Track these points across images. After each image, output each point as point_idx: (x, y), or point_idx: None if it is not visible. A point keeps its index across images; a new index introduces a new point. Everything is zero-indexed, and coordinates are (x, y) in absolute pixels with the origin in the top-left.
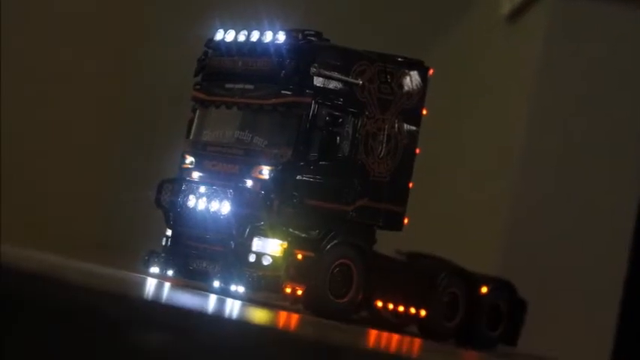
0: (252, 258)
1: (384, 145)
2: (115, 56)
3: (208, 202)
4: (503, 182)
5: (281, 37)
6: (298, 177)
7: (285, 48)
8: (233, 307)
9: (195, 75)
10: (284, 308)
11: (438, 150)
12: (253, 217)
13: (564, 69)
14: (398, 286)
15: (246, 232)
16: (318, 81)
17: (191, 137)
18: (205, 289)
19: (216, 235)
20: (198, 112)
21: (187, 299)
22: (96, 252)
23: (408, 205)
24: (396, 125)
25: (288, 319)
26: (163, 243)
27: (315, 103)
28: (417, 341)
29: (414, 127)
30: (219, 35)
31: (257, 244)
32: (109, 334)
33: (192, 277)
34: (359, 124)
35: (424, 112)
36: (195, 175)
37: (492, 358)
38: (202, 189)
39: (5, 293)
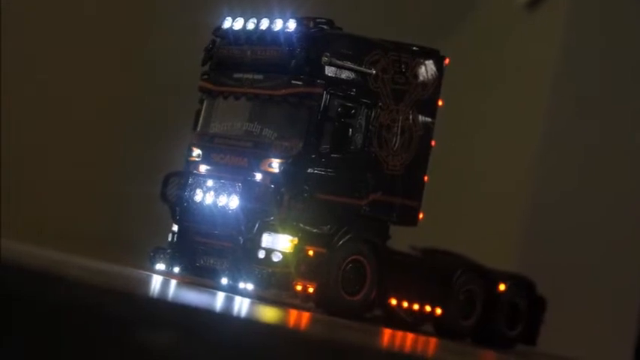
0: (261, 254)
1: (398, 137)
2: (119, 49)
3: (216, 197)
4: (521, 176)
5: (291, 25)
6: (309, 170)
7: (296, 36)
8: (242, 305)
9: (203, 64)
10: (294, 306)
11: (454, 142)
12: (263, 212)
13: (584, 58)
14: (412, 283)
15: (256, 227)
16: (329, 71)
17: (198, 129)
18: (213, 287)
19: (224, 231)
20: (205, 102)
21: (194, 297)
22: (100, 249)
23: (423, 199)
24: (411, 117)
25: (299, 318)
26: (169, 239)
27: (327, 93)
28: (433, 340)
29: (429, 119)
30: (227, 23)
31: (267, 239)
32: (113, 333)
33: (199, 274)
34: (372, 116)
35: (440, 103)
36: (203, 168)
37: (511, 357)
38: (210, 183)
39: (6, 290)
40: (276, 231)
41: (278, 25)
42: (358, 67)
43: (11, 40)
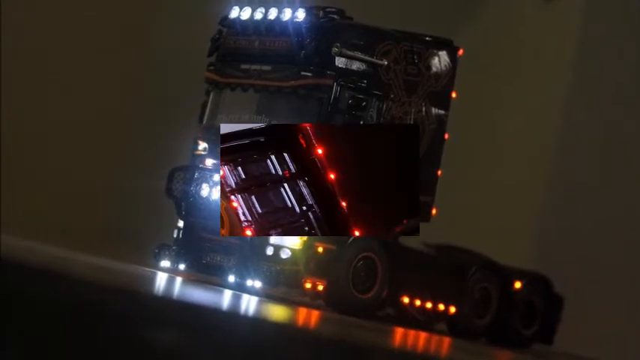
0: (269, 251)
1: None
2: (119, 49)
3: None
4: (539, 170)
5: (300, 14)
6: None
7: (305, 26)
8: (249, 304)
9: (209, 55)
10: (304, 304)
11: (468, 135)
12: None
13: (603, 50)
14: (426, 281)
15: None
16: (340, 62)
17: (204, 122)
18: (220, 284)
19: None
20: (211, 94)
21: (200, 295)
22: (104, 246)
23: (437, 194)
24: (424, 109)
25: (308, 317)
26: (175, 235)
27: (337, 85)
28: (446, 340)
29: (442, 111)
30: (234, 13)
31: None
32: (117, 331)
33: (205, 272)
34: (384, 108)
35: (453, 94)
36: (209, 162)
37: (527, 357)
38: (216, 177)
39: (7, 288)
40: None
41: (287, 14)
42: (369, 58)
43: (11, 40)
